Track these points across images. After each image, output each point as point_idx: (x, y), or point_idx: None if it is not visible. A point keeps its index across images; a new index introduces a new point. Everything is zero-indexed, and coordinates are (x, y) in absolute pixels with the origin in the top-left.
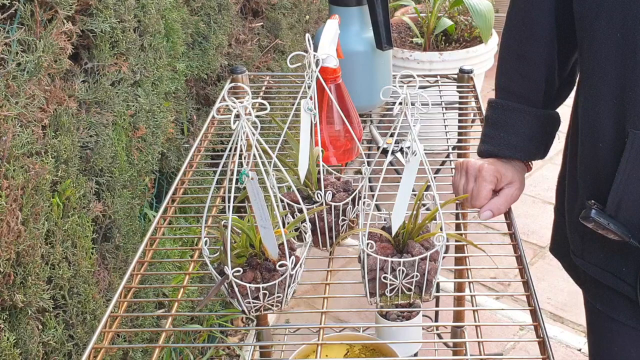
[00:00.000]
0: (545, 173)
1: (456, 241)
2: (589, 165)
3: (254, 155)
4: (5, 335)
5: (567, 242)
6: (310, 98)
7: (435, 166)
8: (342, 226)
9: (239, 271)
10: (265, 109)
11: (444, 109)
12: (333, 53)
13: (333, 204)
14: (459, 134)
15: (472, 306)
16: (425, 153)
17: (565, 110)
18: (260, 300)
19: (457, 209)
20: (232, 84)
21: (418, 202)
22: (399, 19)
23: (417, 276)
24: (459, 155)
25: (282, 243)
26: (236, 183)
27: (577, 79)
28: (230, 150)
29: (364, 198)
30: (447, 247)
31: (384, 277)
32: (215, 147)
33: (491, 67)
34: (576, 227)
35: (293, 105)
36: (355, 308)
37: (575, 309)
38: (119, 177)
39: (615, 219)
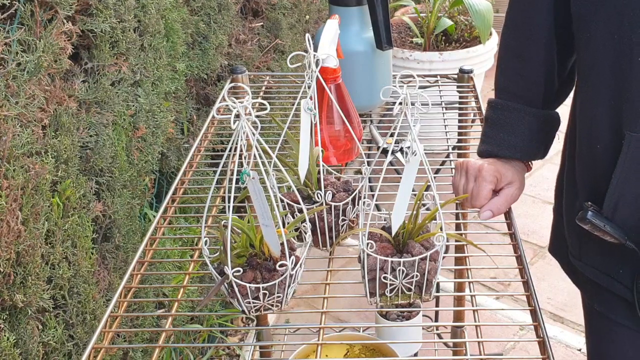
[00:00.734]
0: (545, 173)
1: (456, 241)
2: (586, 166)
3: (254, 155)
4: (5, 335)
5: (565, 242)
6: (310, 98)
7: (435, 166)
8: (342, 226)
9: (239, 271)
10: (265, 109)
11: (444, 109)
12: (333, 53)
13: (333, 204)
14: (459, 134)
15: (472, 306)
16: (425, 153)
17: (565, 110)
18: (260, 300)
19: (457, 209)
20: (232, 84)
21: (418, 202)
22: (399, 19)
23: (417, 276)
24: (459, 155)
25: (282, 243)
26: (236, 183)
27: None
28: (230, 150)
29: (364, 198)
30: (447, 247)
31: (384, 277)
32: (215, 147)
33: (491, 67)
34: (574, 228)
35: (293, 105)
36: (355, 308)
37: (575, 309)
38: (119, 177)
39: (611, 221)
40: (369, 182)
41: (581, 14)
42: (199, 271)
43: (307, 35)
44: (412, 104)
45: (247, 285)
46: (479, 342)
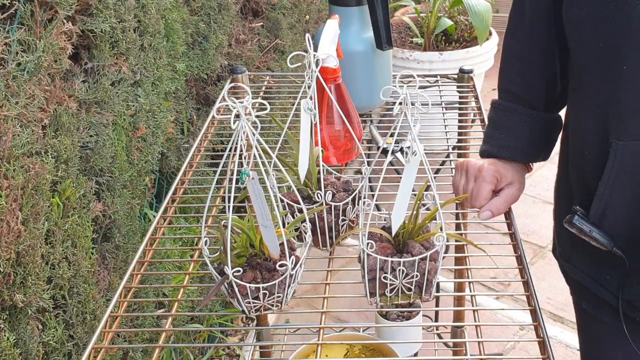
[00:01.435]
0: (545, 173)
1: (456, 241)
2: (576, 172)
3: (254, 155)
4: (5, 335)
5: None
6: (310, 98)
7: (435, 166)
8: (342, 226)
9: (239, 271)
10: (265, 109)
11: (444, 109)
12: (333, 53)
13: (333, 204)
14: (459, 134)
15: (472, 306)
16: (425, 153)
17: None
18: (260, 300)
19: (457, 209)
20: (232, 84)
21: (418, 202)
22: (399, 19)
23: (417, 276)
24: (459, 155)
25: (282, 243)
26: (236, 183)
27: None
28: (230, 150)
29: (364, 198)
30: (447, 247)
31: (384, 277)
32: (215, 147)
33: (491, 67)
34: (564, 230)
35: (293, 105)
36: (355, 308)
37: None
38: (119, 177)
39: (599, 227)
40: (369, 182)
41: (570, 20)
42: (199, 271)
43: (307, 35)
44: (412, 104)
45: (247, 285)
46: (479, 342)
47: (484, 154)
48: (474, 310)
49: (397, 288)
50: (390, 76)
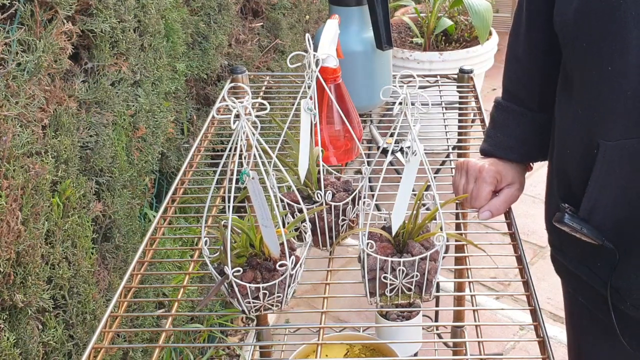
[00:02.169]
0: (545, 173)
1: (456, 241)
2: (560, 167)
3: (254, 155)
4: (5, 335)
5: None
6: (310, 98)
7: (435, 166)
8: (342, 226)
9: (239, 271)
10: (265, 109)
11: (444, 109)
12: (333, 53)
13: (333, 203)
14: (459, 134)
15: (472, 306)
16: (425, 153)
17: None
18: (260, 300)
19: (457, 209)
20: (232, 84)
21: (418, 202)
22: (399, 19)
23: (417, 276)
24: (459, 155)
25: (282, 243)
26: (236, 183)
27: None
28: (230, 150)
29: (364, 198)
30: (447, 247)
31: (384, 277)
32: (215, 147)
33: (491, 67)
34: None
35: (293, 105)
36: (355, 308)
37: None
38: (119, 177)
39: (588, 223)
40: (369, 182)
41: (559, 20)
42: (199, 271)
43: (307, 35)
44: (412, 104)
45: (247, 285)
46: (479, 342)
47: (482, 152)
48: (474, 310)
49: (397, 288)
50: (390, 76)
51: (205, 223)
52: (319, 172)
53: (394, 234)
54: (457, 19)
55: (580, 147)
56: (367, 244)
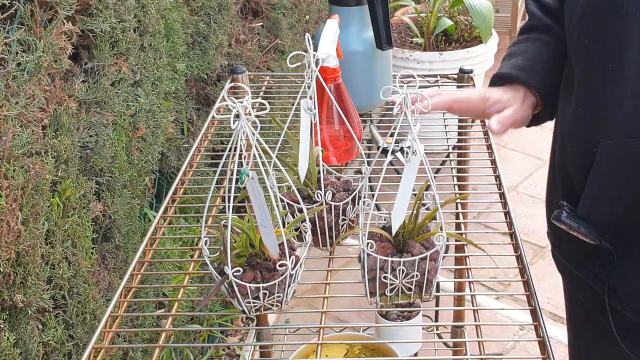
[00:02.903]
0: (545, 173)
1: (456, 241)
2: (562, 166)
3: (254, 155)
4: (5, 335)
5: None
6: (310, 98)
7: (435, 166)
8: (342, 226)
9: (239, 271)
10: (265, 109)
11: None
12: (333, 53)
13: (333, 203)
14: (459, 133)
15: (472, 306)
16: (425, 153)
17: None
18: (260, 300)
19: (457, 209)
20: (232, 84)
21: (418, 202)
22: (399, 19)
23: (417, 276)
24: (459, 155)
25: (282, 243)
26: (236, 183)
27: None
28: (230, 150)
29: (364, 198)
30: (447, 246)
31: (384, 277)
32: (215, 147)
33: (491, 67)
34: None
35: (293, 105)
36: (355, 308)
37: None
38: (119, 177)
39: (586, 222)
40: (369, 182)
41: (566, 18)
42: (199, 271)
43: (307, 35)
44: (412, 104)
45: (247, 285)
46: (479, 342)
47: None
48: (474, 310)
49: (397, 288)
50: (390, 76)
51: (205, 223)
52: (319, 172)
53: (394, 233)
54: (457, 19)
55: (580, 146)
56: (367, 243)
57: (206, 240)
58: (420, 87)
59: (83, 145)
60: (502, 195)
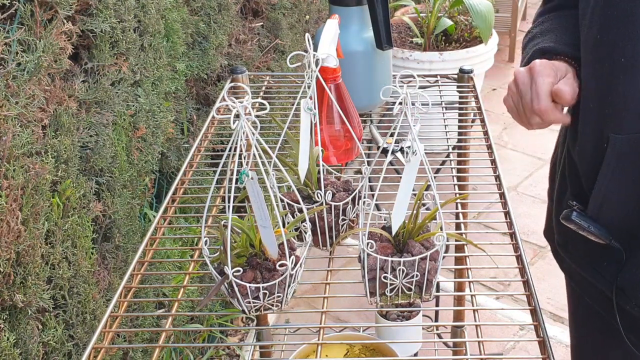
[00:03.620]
0: (545, 173)
1: (456, 241)
2: (571, 164)
3: (254, 155)
4: (5, 335)
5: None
6: (310, 98)
7: (435, 166)
8: (342, 226)
9: (239, 271)
10: (265, 109)
11: (444, 109)
12: (333, 53)
13: (333, 203)
14: (459, 134)
15: (472, 306)
16: (425, 153)
17: None
18: (260, 300)
19: (457, 209)
20: (232, 84)
21: (418, 202)
22: (399, 19)
23: (417, 276)
24: (459, 155)
25: (282, 243)
26: (236, 183)
27: None
28: (230, 150)
29: (364, 198)
30: (447, 246)
31: (384, 277)
32: (215, 147)
33: (491, 67)
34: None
35: (293, 105)
36: (355, 308)
37: None
38: (119, 177)
39: (596, 221)
40: (369, 182)
41: (580, 9)
42: (199, 271)
43: (307, 35)
44: (412, 103)
45: (247, 285)
46: (479, 342)
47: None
48: (474, 310)
49: (397, 288)
50: (390, 76)
51: (205, 223)
52: (319, 172)
53: (394, 233)
54: (457, 19)
55: (590, 142)
56: (367, 243)
57: (206, 240)
58: (420, 87)
59: (83, 145)
60: (502, 195)
